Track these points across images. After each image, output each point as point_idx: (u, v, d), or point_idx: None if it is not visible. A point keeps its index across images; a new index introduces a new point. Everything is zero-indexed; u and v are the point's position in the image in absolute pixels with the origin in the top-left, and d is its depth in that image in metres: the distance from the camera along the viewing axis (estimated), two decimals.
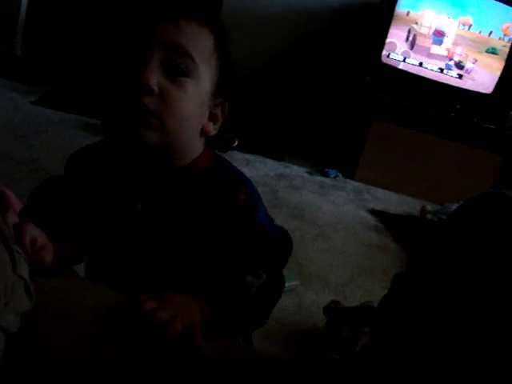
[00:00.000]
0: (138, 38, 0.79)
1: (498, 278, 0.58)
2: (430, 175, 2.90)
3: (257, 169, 2.66)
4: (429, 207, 2.58)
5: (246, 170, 2.59)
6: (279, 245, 0.89)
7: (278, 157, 2.90)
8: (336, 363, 1.35)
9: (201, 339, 0.65)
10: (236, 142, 2.80)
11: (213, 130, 0.87)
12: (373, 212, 2.54)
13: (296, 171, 2.82)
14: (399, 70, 2.90)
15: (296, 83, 3.05)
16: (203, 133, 0.85)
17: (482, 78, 2.91)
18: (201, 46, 0.81)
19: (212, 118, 0.86)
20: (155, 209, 0.83)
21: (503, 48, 2.87)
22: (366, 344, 1.33)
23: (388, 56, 2.89)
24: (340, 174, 2.89)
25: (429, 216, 2.50)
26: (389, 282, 0.75)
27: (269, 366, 0.69)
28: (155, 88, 0.76)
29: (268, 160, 2.84)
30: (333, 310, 1.50)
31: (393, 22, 2.83)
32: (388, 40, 2.86)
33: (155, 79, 0.77)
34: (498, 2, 2.82)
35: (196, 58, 0.80)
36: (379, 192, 2.83)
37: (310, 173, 2.84)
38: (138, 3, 0.84)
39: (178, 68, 0.79)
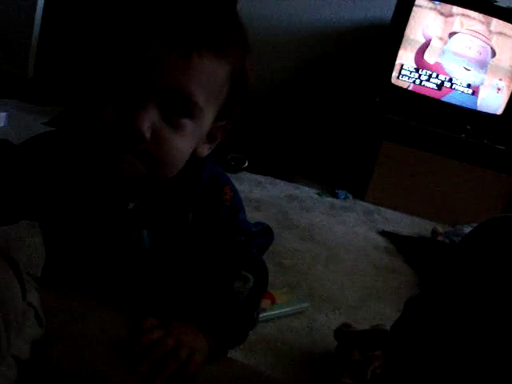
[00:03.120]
0: (139, 72, 0.68)
1: None
2: (440, 196, 2.88)
3: (267, 190, 2.66)
4: (440, 228, 2.56)
5: (256, 191, 2.58)
6: (264, 241, 0.88)
7: (289, 178, 2.90)
8: None
9: (196, 367, 0.65)
10: (246, 163, 2.80)
11: (206, 151, 0.81)
12: (383, 233, 2.53)
13: (306, 192, 2.82)
14: (409, 91, 2.91)
15: (306, 105, 3.07)
16: (195, 154, 0.79)
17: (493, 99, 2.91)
18: (211, 84, 0.72)
19: (209, 138, 0.80)
20: (146, 210, 0.79)
21: None
22: (378, 368, 1.31)
23: (398, 77, 2.89)
24: (350, 196, 2.89)
25: (440, 238, 2.48)
26: (400, 305, 0.75)
27: None
28: (148, 135, 0.69)
29: (278, 181, 2.84)
30: (344, 332, 1.48)
31: (403, 43, 2.85)
32: (398, 62, 2.87)
33: (150, 123, 0.69)
34: None
35: (202, 101, 0.71)
36: (389, 213, 2.81)
37: (320, 194, 2.84)
38: (143, 25, 0.70)
39: (180, 110, 0.71)
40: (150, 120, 0.69)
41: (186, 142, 0.73)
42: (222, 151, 2.86)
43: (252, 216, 2.22)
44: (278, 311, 1.61)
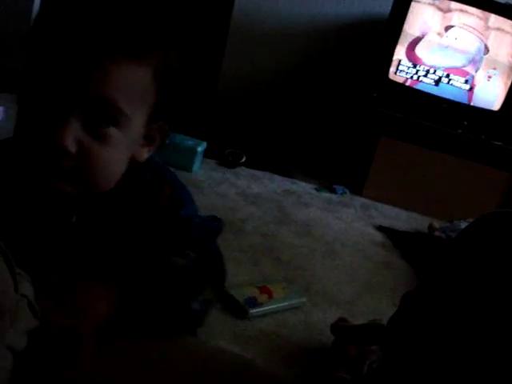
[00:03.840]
0: (57, 87, 0.67)
1: (510, 297, 0.57)
2: (437, 191, 2.88)
3: (265, 185, 2.66)
4: (436, 224, 2.57)
5: (253, 186, 2.58)
6: (210, 227, 0.89)
7: (286, 173, 2.90)
8: (343, 382, 1.33)
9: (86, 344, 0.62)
10: (244, 158, 2.80)
11: (146, 154, 0.80)
12: (380, 229, 2.53)
13: (303, 188, 2.82)
14: (407, 86, 2.91)
15: (303, 100, 3.06)
16: (134, 159, 0.78)
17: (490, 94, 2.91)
18: (134, 88, 0.71)
19: (148, 141, 0.79)
20: (89, 221, 0.79)
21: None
22: (374, 362, 1.32)
23: (395, 73, 2.89)
24: (347, 191, 2.88)
25: (437, 233, 2.49)
26: (396, 300, 0.75)
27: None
28: (72, 150, 0.67)
29: (276, 176, 2.84)
30: (340, 327, 1.49)
31: (400, 38, 2.84)
32: (395, 57, 2.87)
33: (74, 138, 0.67)
34: None
35: (126, 106, 0.70)
36: (387, 209, 2.82)
37: (317, 189, 2.84)
38: (59, 38, 0.68)
39: (103, 119, 0.69)
40: (73, 134, 0.67)
41: (116, 152, 0.72)
42: (219, 146, 2.86)
43: (249, 211, 2.23)
44: (274, 305, 1.62)
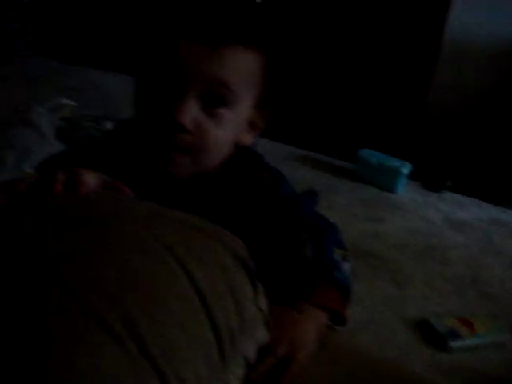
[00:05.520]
0: (174, 69, 0.73)
1: None
2: None
3: (471, 212, 2.53)
4: None
5: (459, 212, 2.46)
6: (313, 202, 0.92)
7: (495, 201, 2.74)
8: None
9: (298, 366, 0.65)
10: (449, 182, 2.70)
11: (250, 139, 0.84)
12: None
13: None
14: None
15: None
16: (238, 143, 0.82)
17: None
18: (244, 72, 0.76)
19: (251, 126, 0.84)
20: (197, 196, 0.82)
21: None
22: None
23: None
24: None
25: None
26: None
27: None
28: (190, 127, 0.74)
29: (483, 203, 2.69)
30: None
31: None
32: None
33: (191, 116, 0.73)
34: None
35: (236, 87, 0.75)
36: None
37: None
38: (171, 24, 0.76)
39: (216, 99, 0.75)
40: (190, 112, 0.73)
41: (226, 131, 0.77)
42: (424, 168, 2.79)
43: (454, 238, 2.15)
44: (477, 340, 1.55)
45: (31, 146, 1.89)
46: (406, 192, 2.52)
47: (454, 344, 1.51)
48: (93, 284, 0.48)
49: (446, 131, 3.02)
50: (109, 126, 2.18)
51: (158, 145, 0.76)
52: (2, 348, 0.43)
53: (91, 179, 0.66)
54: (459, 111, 3.02)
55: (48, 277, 0.48)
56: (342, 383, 0.65)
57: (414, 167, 2.58)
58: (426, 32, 2.95)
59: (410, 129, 3.00)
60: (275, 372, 0.63)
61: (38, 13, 3.39)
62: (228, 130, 0.78)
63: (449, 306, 1.72)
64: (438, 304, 1.71)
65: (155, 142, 0.76)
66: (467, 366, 1.47)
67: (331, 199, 2.28)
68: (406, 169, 2.50)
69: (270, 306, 0.67)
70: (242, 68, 0.76)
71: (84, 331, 0.45)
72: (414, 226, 2.22)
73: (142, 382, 0.45)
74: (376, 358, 0.75)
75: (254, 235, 0.84)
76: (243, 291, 0.56)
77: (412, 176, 2.60)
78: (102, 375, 0.43)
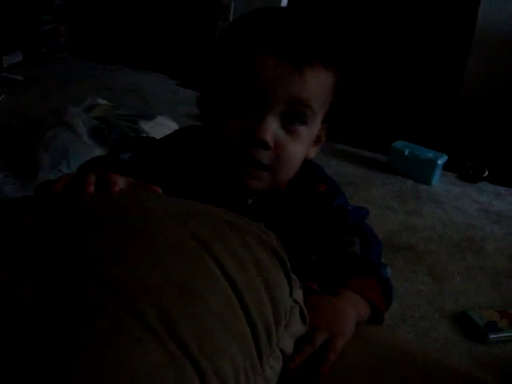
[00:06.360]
0: (255, 86, 0.75)
1: None
2: None
3: (508, 203, 2.49)
4: None
5: (496, 203, 2.42)
6: (362, 213, 0.96)
7: None
8: None
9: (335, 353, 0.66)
10: (486, 173, 2.66)
11: (315, 152, 0.88)
12: None
13: None
14: None
15: None
16: (306, 157, 0.85)
17: None
18: (322, 91, 0.79)
19: (316, 140, 0.87)
20: (263, 205, 0.85)
21: None
22: None
23: None
24: None
25: None
26: None
27: None
28: (271, 144, 0.76)
29: None
30: None
31: None
32: None
33: (272, 134, 0.75)
34: None
35: (315, 107, 0.78)
36: None
37: None
38: (251, 40, 0.77)
39: (297, 118, 0.78)
40: (271, 130, 0.75)
41: (301, 147, 0.81)
42: (460, 159, 2.75)
43: (491, 229, 2.12)
44: None
45: (68, 147, 1.93)
46: (442, 183, 2.49)
47: (494, 336, 1.49)
48: (133, 283, 0.49)
49: (481, 121, 2.98)
50: (143, 125, 2.20)
51: (234, 158, 0.78)
52: (50, 347, 0.44)
53: (121, 181, 0.68)
54: (494, 101, 2.97)
55: (88, 275, 0.49)
56: (381, 377, 0.65)
57: (449, 158, 2.55)
58: (458, 23, 2.92)
59: (445, 119, 2.97)
60: (314, 361, 0.64)
61: (71, 14, 3.44)
62: (304, 145, 0.81)
63: (487, 298, 1.70)
64: (476, 296, 1.69)
65: (231, 155, 0.78)
66: (507, 358, 1.45)
67: (366, 192, 2.27)
68: (441, 160, 2.47)
69: (308, 296, 0.68)
70: (321, 87, 0.78)
71: (130, 329, 0.46)
72: (450, 218, 2.19)
73: (181, 376, 0.46)
74: (415, 351, 0.75)
75: (309, 242, 0.90)
76: (278, 285, 0.57)
77: (447, 167, 2.56)
78: (150, 373, 0.44)
